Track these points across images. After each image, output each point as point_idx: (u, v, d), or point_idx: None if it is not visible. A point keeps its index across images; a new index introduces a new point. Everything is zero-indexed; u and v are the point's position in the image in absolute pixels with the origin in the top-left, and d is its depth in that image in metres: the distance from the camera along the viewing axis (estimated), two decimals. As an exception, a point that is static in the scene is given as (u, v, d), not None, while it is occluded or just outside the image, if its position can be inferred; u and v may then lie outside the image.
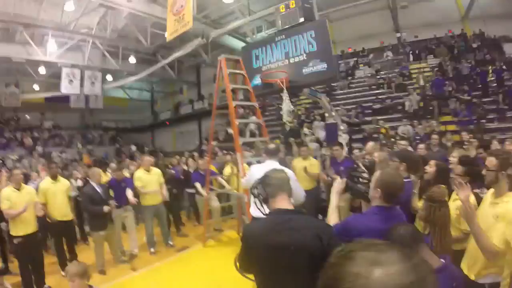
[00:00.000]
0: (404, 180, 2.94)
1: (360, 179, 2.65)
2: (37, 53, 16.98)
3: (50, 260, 5.83)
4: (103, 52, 19.33)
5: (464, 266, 2.52)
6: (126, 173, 8.14)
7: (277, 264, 1.86)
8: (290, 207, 2.03)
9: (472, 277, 2.41)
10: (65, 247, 5.84)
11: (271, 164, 3.92)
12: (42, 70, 19.30)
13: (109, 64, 19.98)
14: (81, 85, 19.44)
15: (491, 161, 2.36)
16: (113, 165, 7.71)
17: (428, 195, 2.63)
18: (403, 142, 7.67)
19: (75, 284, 2.91)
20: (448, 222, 2.57)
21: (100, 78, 20.44)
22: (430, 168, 3.39)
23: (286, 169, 4.21)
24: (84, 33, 17.26)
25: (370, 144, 6.01)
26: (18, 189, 4.91)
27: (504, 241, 2.13)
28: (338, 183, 2.66)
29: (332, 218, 2.49)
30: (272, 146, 4.46)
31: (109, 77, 22.12)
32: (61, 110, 24.40)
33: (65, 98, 21.55)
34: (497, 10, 15.24)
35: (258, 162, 4.67)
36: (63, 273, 5.49)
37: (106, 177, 7.64)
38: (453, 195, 2.91)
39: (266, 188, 2.08)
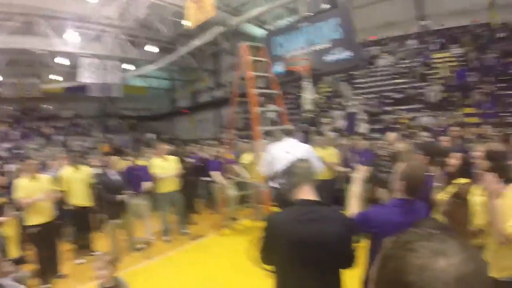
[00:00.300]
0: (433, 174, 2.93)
1: (384, 168, 2.64)
2: (58, 44, 17.33)
3: (64, 248, 5.86)
4: (124, 42, 19.55)
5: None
6: (144, 161, 8.26)
7: (303, 255, 1.83)
8: (315, 197, 2.00)
9: (491, 274, 2.36)
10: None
11: (289, 142, 4.05)
12: (63, 60, 19.66)
13: (130, 53, 20.25)
14: (101, 74, 19.73)
15: None
16: (130, 153, 7.71)
17: (457, 192, 2.59)
18: (425, 133, 7.52)
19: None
20: (468, 218, 2.57)
21: (120, 67, 20.75)
22: (453, 161, 3.28)
23: (302, 144, 4.30)
24: (105, 24, 17.45)
25: (392, 134, 5.93)
26: (34, 179, 4.91)
27: None
28: (364, 171, 2.65)
29: (354, 206, 2.47)
30: (288, 126, 4.54)
31: (129, 66, 22.35)
32: (81, 99, 24.95)
33: (85, 88, 21.86)
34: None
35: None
36: (77, 261, 5.68)
37: (124, 164, 7.70)
38: (473, 191, 2.84)
39: (291, 178, 2.05)
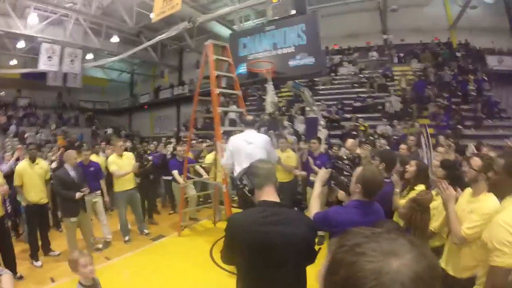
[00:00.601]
0: (385, 180, 3.03)
1: (344, 172, 2.72)
2: (17, 25, 16.32)
3: (20, 248, 5.58)
4: (85, 29, 18.71)
5: (443, 262, 2.66)
6: (100, 157, 7.94)
7: (266, 256, 1.82)
8: (277, 199, 2.01)
9: (451, 272, 2.54)
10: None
11: (250, 133, 4.39)
12: (21, 44, 18.57)
13: (91, 42, 19.39)
14: (60, 62, 18.80)
15: (476, 161, 2.54)
16: (85, 147, 7.34)
17: (415, 198, 2.71)
18: (382, 141, 7.80)
19: (86, 271, 2.79)
20: (427, 226, 2.70)
21: (81, 56, 19.84)
22: (411, 168, 3.47)
23: (261, 135, 4.54)
24: (68, 8, 16.64)
25: (350, 141, 6.13)
26: None
27: (474, 231, 2.32)
28: (323, 172, 2.75)
29: (314, 206, 2.55)
30: (249, 117, 4.77)
31: (89, 56, 21.46)
32: (38, 87, 23.64)
33: (43, 75, 20.86)
34: (484, 23, 15.65)
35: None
36: (35, 263, 5.33)
37: (81, 159, 7.36)
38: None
39: (253, 179, 2.04)
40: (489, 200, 2.33)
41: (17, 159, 6.65)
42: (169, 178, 7.67)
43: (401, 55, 17.58)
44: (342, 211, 2.36)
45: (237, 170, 4.31)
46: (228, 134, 8.44)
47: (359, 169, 2.40)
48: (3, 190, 4.63)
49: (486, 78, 14.18)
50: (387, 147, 7.28)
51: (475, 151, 6.30)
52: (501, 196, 2.09)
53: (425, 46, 17.41)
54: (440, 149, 5.66)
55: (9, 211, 5.92)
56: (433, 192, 2.99)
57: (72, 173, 5.37)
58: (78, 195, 5.19)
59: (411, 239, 0.63)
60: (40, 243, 5.58)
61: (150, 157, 8.14)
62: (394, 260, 0.58)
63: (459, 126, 11.56)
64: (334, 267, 0.64)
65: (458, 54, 16.19)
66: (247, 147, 4.25)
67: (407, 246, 0.61)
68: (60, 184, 5.28)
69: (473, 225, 2.33)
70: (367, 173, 2.31)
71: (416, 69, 16.23)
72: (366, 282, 0.57)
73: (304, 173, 6.66)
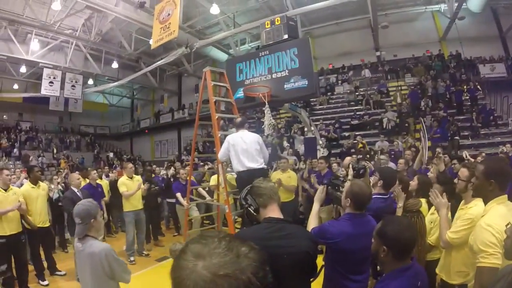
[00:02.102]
0: (387, 196, 3.22)
1: (341, 188, 2.88)
2: (19, 51, 16.76)
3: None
4: (85, 55, 19.21)
5: (438, 268, 2.79)
6: (103, 180, 8.21)
7: (271, 270, 1.88)
8: (281, 216, 2.10)
9: (444, 278, 2.67)
10: (42, 255, 5.72)
11: (243, 132, 4.78)
12: (22, 69, 19.02)
13: (91, 67, 19.86)
14: (61, 87, 19.25)
15: (463, 172, 2.68)
16: (94, 172, 7.62)
17: (403, 206, 2.93)
18: (383, 156, 7.96)
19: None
20: (423, 230, 2.89)
21: (81, 82, 20.32)
22: (413, 182, 3.59)
23: (253, 134, 4.82)
24: (68, 34, 17.12)
25: (347, 158, 6.29)
26: (6, 190, 4.78)
27: (458, 236, 2.44)
28: (319, 191, 2.89)
29: (312, 223, 2.70)
30: (239, 119, 5.09)
31: (90, 81, 21.90)
32: (39, 111, 24.13)
33: (44, 100, 21.22)
34: (473, 33, 16.02)
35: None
36: (41, 282, 5.42)
37: (84, 182, 7.58)
38: (431, 209, 3.20)
39: (257, 198, 2.13)
40: (475, 207, 2.44)
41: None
42: (173, 200, 7.79)
43: (397, 68, 17.89)
44: (336, 224, 2.50)
45: (234, 164, 4.69)
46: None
47: (347, 184, 2.58)
48: (22, 209, 4.86)
49: (479, 87, 14.41)
50: (391, 163, 7.38)
51: (468, 157, 6.48)
52: (484, 201, 2.19)
53: (418, 59, 17.72)
54: (435, 160, 5.81)
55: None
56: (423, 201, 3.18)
57: (79, 193, 5.65)
58: None
59: (233, 246, 0.73)
60: (46, 264, 5.72)
61: (157, 181, 8.39)
62: (200, 261, 0.69)
63: (456, 137, 11.67)
64: (174, 257, 0.78)
65: (451, 65, 16.44)
66: (243, 143, 4.63)
67: (220, 251, 0.71)
68: (72, 205, 5.44)
69: (456, 230, 2.46)
70: (355, 187, 2.45)
71: (410, 83, 16.53)
72: (174, 273, 0.72)
73: (315, 187, 6.80)
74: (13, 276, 4.83)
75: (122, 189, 6.58)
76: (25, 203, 5.28)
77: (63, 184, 7.76)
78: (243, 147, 4.63)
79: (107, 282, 2.56)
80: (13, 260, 4.87)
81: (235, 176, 5.17)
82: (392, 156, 9.53)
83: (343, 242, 2.30)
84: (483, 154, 8.01)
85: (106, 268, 2.49)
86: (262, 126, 7.04)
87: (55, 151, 23.04)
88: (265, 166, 4.92)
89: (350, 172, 3.96)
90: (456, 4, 12.94)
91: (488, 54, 16.00)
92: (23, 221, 5.55)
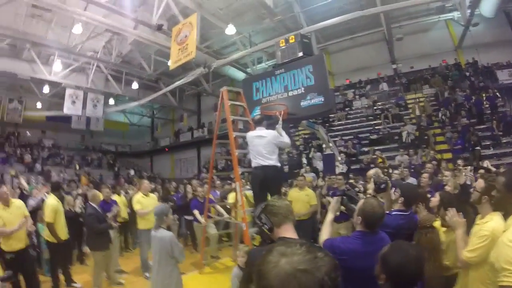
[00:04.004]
0: (408, 212, 3.13)
1: (354, 199, 2.87)
2: (42, 71, 17.44)
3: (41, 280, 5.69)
4: (106, 76, 19.85)
5: (457, 286, 2.74)
6: (121, 197, 8.36)
7: None
8: (295, 236, 2.05)
9: None
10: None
11: (260, 130, 5.19)
12: (46, 89, 19.65)
13: (112, 88, 20.42)
14: (83, 107, 19.79)
15: (479, 183, 2.62)
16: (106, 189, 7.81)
17: (418, 221, 2.90)
18: (396, 171, 7.85)
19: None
20: (438, 245, 2.82)
21: (102, 101, 20.82)
22: (435, 199, 3.51)
23: (269, 131, 5.12)
24: (89, 56, 17.76)
25: (372, 171, 6.18)
26: (7, 206, 4.84)
27: (475, 254, 2.36)
28: (334, 201, 2.93)
29: (324, 233, 2.73)
30: (257, 116, 5.47)
31: (111, 101, 22.48)
32: (62, 130, 24.87)
33: (66, 118, 21.81)
34: (488, 38, 15.81)
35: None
36: None
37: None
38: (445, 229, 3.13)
39: (271, 217, 2.10)
40: (490, 221, 2.36)
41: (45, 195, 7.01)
42: (190, 218, 7.87)
43: (412, 81, 17.72)
44: (346, 240, 2.48)
45: (252, 161, 5.13)
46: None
47: (360, 202, 2.54)
48: (31, 227, 4.99)
49: (498, 94, 14.13)
50: (411, 178, 7.27)
51: (489, 167, 6.32)
52: (506, 214, 2.10)
53: (434, 70, 17.52)
54: (447, 173, 5.70)
55: (35, 243, 6.32)
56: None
57: (99, 209, 5.88)
58: (114, 224, 5.82)
59: (313, 248, 0.87)
60: (63, 277, 5.86)
61: (174, 198, 8.49)
62: (283, 258, 0.82)
63: (477, 147, 11.40)
64: (261, 257, 0.90)
65: (468, 74, 16.17)
66: (257, 141, 5.05)
67: (300, 251, 0.84)
68: (95, 220, 5.64)
69: (473, 248, 2.38)
70: (367, 206, 2.40)
71: (428, 94, 16.32)
72: (260, 266, 0.85)
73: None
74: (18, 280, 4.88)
75: (136, 207, 6.61)
76: (50, 222, 5.47)
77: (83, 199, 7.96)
78: (255, 145, 5.03)
79: (169, 259, 3.80)
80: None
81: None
82: (412, 170, 9.39)
83: (351, 260, 2.25)
84: (504, 164, 7.80)
85: (169, 249, 3.75)
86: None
87: (77, 167, 23.59)
88: (279, 164, 5.23)
89: (371, 186, 3.93)
90: (469, 11, 12.78)
91: (505, 59, 15.63)
92: (44, 233, 5.75)
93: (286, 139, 5.24)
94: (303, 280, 0.78)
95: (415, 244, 2.71)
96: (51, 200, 5.75)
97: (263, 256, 0.88)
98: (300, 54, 7.42)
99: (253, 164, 5.13)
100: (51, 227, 5.52)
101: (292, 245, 0.87)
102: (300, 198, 6.58)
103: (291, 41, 7.68)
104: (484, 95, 14.24)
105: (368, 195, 3.56)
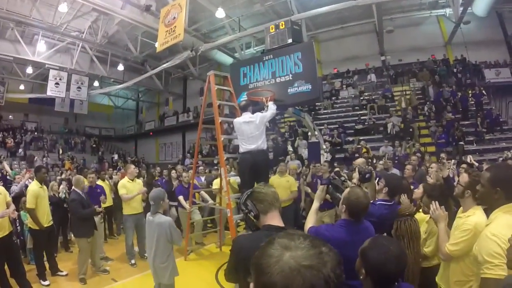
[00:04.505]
0: (392, 202, 3.15)
1: (340, 188, 2.86)
2: (25, 52, 16.92)
3: (26, 268, 5.53)
4: (91, 57, 19.33)
5: (438, 277, 2.77)
6: (106, 182, 8.27)
7: None
8: (281, 224, 2.04)
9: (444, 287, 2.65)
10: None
11: (246, 115, 5.23)
12: (29, 70, 19.18)
13: (97, 69, 19.98)
14: (67, 89, 19.40)
15: (463, 177, 2.62)
16: (92, 174, 7.66)
17: (398, 210, 2.93)
18: (381, 162, 7.93)
19: None
20: (417, 233, 2.85)
21: (87, 83, 20.45)
22: (418, 190, 3.62)
23: (256, 114, 5.20)
24: (75, 36, 17.29)
25: (359, 160, 6.19)
26: None
27: (457, 248, 2.40)
28: (319, 190, 2.92)
29: (310, 221, 2.71)
30: (243, 102, 5.52)
31: (95, 83, 22.03)
32: (45, 112, 24.36)
33: (50, 101, 21.38)
34: (479, 37, 15.99)
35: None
36: (43, 282, 5.43)
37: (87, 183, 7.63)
38: (426, 218, 3.19)
39: (257, 204, 2.07)
40: (473, 215, 2.40)
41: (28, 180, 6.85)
42: (175, 204, 7.77)
43: (400, 74, 17.87)
44: (331, 229, 2.47)
45: (241, 147, 5.19)
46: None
47: (345, 191, 2.54)
48: (13, 214, 4.77)
49: (484, 92, 14.34)
50: (395, 169, 7.35)
51: (473, 161, 6.41)
52: (489, 209, 2.12)
53: (423, 64, 17.63)
54: (433, 165, 5.77)
55: (19, 230, 6.23)
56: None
57: (84, 195, 5.77)
58: (98, 209, 5.72)
59: (318, 242, 0.82)
60: (47, 265, 5.73)
61: (158, 184, 8.38)
62: (287, 252, 0.77)
63: (461, 142, 11.61)
64: (258, 250, 0.85)
65: (456, 70, 16.37)
66: (244, 126, 5.10)
67: (304, 245, 0.79)
68: (79, 205, 5.54)
69: (456, 241, 2.41)
70: (352, 195, 2.41)
71: (415, 88, 16.49)
72: (261, 259, 0.79)
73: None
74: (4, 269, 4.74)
75: (121, 191, 6.48)
76: (31, 207, 5.34)
77: (67, 184, 7.83)
78: (244, 131, 5.08)
79: (166, 244, 3.83)
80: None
81: (237, 180, 5.24)
82: (396, 161, 9.49)
83: (336, 248, 2.21)
84: (487, 160, 7.96)
85: (168, 234, 3.75)
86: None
87: (60, 152, 23.16)
88: (266, 147, 5.30)
89: (356, 175, 3.93)
90: (461, 9, 12.88)
91: (494, 58, 15.90)
92: (27, 221, 5.62)
93: (272, 109, 5.43)
94: (308, 276, 0.73)
95: (396, 240, 2.70)
96: (33, 186, 5.61)
97: (262, 249, 0.82)
98: (290, 40, 7.33)
99: (241, 150, 5.14)
100: (32, 213, 5.39)
101: (295, 237, 0.82)
102: (281, 184, 6.55)
103: (281, 27, 7.57)
104: (470, 91, 14.48)
105: (353, 184, 3.55)
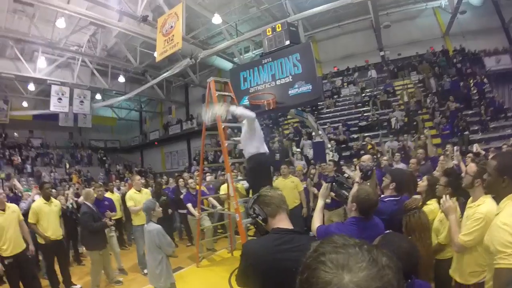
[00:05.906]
0: (399, 198, 3.15)
1: (345, 185, 2.87)
2: (26, 69, 17.07)
3: (42, 283, 5.65)
4: (92, 71, 19.47)
5: (451, 269, 2.76)
6: (115, 194, 8.32)
7: (279, 282, 1.81)
8: (290, 226, 2.03)
9: (458, 279, 2.65)
10: (57, 269, 5.80)
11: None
12: (31, 86, 19.32)
13: (98, 82, 20.12)
14: (70, 103, 19.52)
15: (471, 167, 2.65)
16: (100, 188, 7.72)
17: (403, 205, 2.88)
18: (385, 158, 7.91)
19: None
20: (426, 226, 2.79)
21: (89, 97, 20.58)
22: (422, 183, 3.56)
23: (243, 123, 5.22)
24: (74, 51, 17.43)
25: (366, 157, 6.19)
26: (3, 210, 4.75)
27: (471, 238, 2.40)
28: (323, 187, 2.94)
29: (316, 220, 2.74)
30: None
31: (98, 96, 22.18)
32: (49, 128, 24.41)
33: (54, 116, 21.45)
34: (476, 26, 15.88)
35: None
36: None
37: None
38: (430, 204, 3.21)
39: (265, 208, 2.06)
40: (483, 204, 2.39)
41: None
42: (184, 211, 7.82)
43: (399, 68, 17.84)
44: (341, 227, 2.50)
45: (260, 147, 5.19)
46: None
47: (354, 188, 2.60)
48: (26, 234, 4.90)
49: (486, 80, 14.27)
50: (402, 164, 7.33)
51: (479, 150, 6.36)
52: (498, 198, 2.09)
53: (422, 57, 17.56)
54: (441, 157, 5.74)
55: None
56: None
57: (94, 208, 5.83)
58: (109, 223, 5.75)
59: (375, 255, 0.66)
60: (61, 278, 5.78)
61: (166, 192, 8.45)
62: (346, 274, 0.61)
63: (466, 132, 11.59)
64: (303, 269, 0.70)
65: (455, 60, 16.28)
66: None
67: (365, 263, 0.63)
68: (90, 218, 5.61)
69: (469, 231, 2.41)
70: (362, 193, 2.45)
71: (416, 81, 16.46)
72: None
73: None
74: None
75: (129, 203, 6.53)
76: (31, 222, 5.40)
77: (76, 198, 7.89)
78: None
79: (157, 250, 4.07)
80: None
81: (245, 185, 5.29)
82: (403, 155, 9.45)
83: None
84: (493, 148, 7.92)
85: (157, 241, 4.02)
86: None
87: (67, 166, 23.29)
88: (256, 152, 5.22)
89: (358, 173, 3.93)
90: (456, -1, 12.85)
91: (493, 46, 15.75)
92: (37, 235, 5.68)
93: (242, 112, 5.28)
94: None
95: (406, 236, 2.69)
96: (36, 202, 5.70)
97: (309, 269, 0.67)
98: (287, 42, 7.38)
99: (262, 150, 5.21)
100: (32, 227, 5.45)
101: (349, 250, 0.67)
102: (286, 185, 6.60)
103: (278, 29, 7.63)
104: (471, 81, 14.39)
105: (356, 182, 3.56)
